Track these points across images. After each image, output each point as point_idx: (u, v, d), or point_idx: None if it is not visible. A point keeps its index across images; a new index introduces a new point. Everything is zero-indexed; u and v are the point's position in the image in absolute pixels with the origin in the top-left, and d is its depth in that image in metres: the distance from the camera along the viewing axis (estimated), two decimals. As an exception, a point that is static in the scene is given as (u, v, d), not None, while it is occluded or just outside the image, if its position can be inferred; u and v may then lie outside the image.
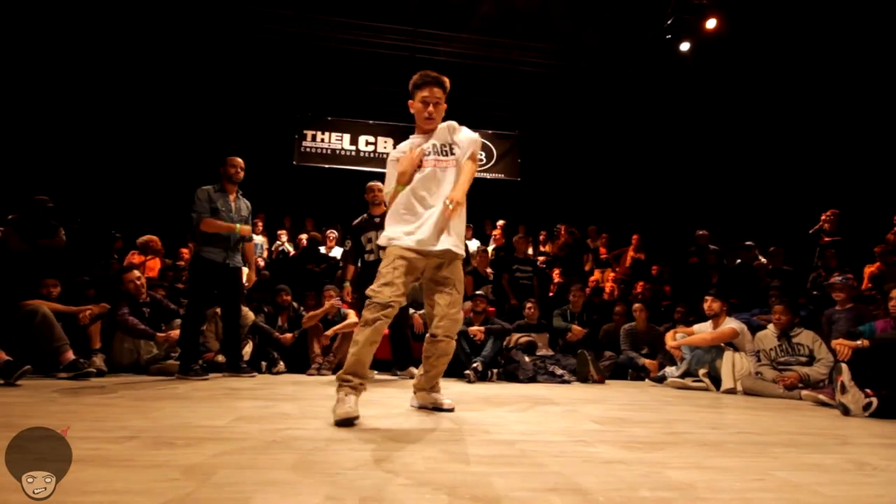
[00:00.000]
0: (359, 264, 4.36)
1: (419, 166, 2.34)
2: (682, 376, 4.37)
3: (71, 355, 3.40)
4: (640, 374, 4.97)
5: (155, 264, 5.86)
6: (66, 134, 7.74)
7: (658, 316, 5.90)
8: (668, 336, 4.71)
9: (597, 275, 7.77)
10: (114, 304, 4.02)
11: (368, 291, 2.17)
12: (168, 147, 8.69)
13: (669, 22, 8.33)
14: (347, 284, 4.30)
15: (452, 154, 2.36)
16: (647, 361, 4.96)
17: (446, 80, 2.37)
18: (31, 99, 7.33)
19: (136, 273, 4.21)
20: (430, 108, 2.34)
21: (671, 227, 9.11)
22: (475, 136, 2.37)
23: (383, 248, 2.36)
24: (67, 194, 6.08)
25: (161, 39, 8.41)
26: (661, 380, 4.58)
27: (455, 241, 2.27)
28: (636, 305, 5.29)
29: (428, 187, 2.30)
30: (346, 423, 1.94)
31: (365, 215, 4.31)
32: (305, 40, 8.87)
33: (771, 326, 4.14)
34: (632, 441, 1.81)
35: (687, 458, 1.57)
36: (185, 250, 6.33)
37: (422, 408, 2.47)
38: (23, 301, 3.60)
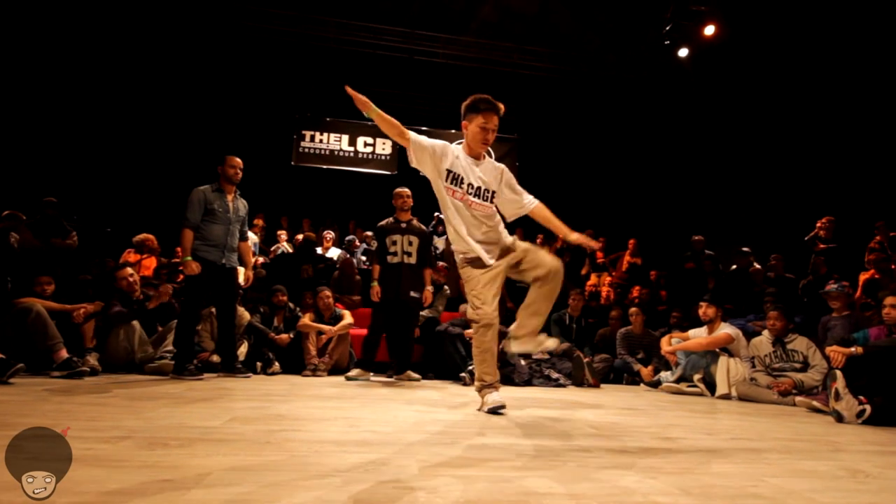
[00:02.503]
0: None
1: (461, 199, 2.48)
2: (678, 381, 4.38)
3: (65, 354, 3.38)
4: (635, 378, 4.98)
5: (151, 263, 5.84)
6: (64, 131, 7.71)
7: (654, 320, 5.91)
8: (664, 341, 4.72)
9: (593, 279, 7.80)
10: (108, 301, 4.00)
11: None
12: (166, 146, 8.67)
13: (668, 28, 8.38)
14: (375, 284, 4.27)
15: (492, 201, 2.52)
16: (641, 368, 4.97)
17: (503, 108, 2.46)
18: (29, 97, 7.30)
19: (129, 270, 4.19)
20: (489, 136, 2.46)
21: (668, 231, 9.15)
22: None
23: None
24: (65, 192, 6.06)
25: (160, 39, 8.39)
26: (656, 384, 4.59)
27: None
28: (633, 309, 5.31)
29: (460, 222, 2.50)
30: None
31: (391, 219, 4.34)
32: (304, 41, 8.86)
33: (766, 332, 4.15)
34: (626, 446, 1.81)
35: (681, 463, 1.57)
36: (181, 249, 6.30)
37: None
38: (17, 299, 3.58)
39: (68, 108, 7.73)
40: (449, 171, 2.46)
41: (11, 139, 7.01)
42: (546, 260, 2.49)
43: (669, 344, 4.61)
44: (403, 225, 4.30)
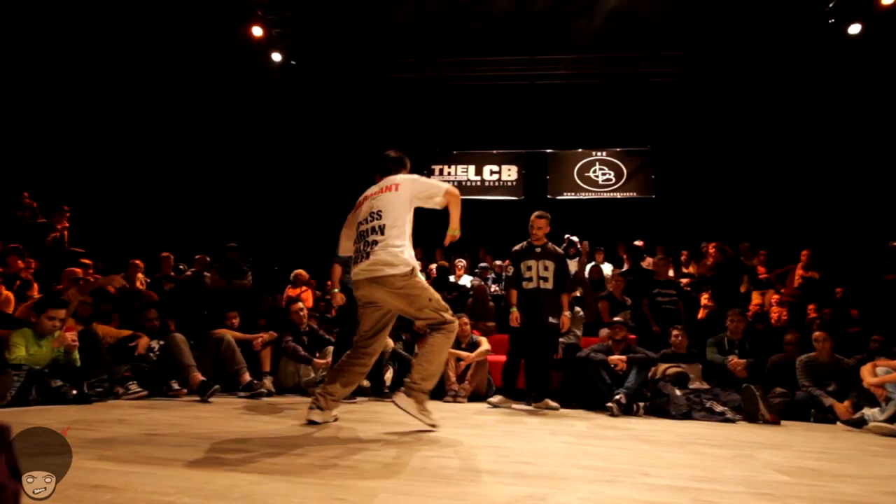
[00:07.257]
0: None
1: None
2: (890, 420, 3.54)
3: (248, 377, 3.93)
4: (827, 415, 4.15)
5: (307, 295, 6.56)
6: (243, 188, 9.25)
7: (844, 346, 4.90)
8: (866, 370, 3.86)
9: (756, 298, 6.79)
10: (280, 332, 4.57)
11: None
12: (317, 193, 9.84)
13: (833, 3, 7.22)
14: (514, 310, 4.24)
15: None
16: (834, 403, 4.12)
17: (391, 156, 3.12)
18: (214, 158, 8.91)
19: (300, 305, 4.75)
20: None
21: (852, 238, 7.63)
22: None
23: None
24: (242, 236, 7.20)
25: (307, 97, 9.70)
26: (858, 424, 3.77)
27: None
28: (818, 334, 4.46)
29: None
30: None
31: (525, 243, 4.31)
32: (429, 83, 9.51)
33: None
34: (838, 499, 1.48)
35: (926, 528, 1.23)
36: (331, 283, 7.01)
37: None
38: (211, 330, 4.28)
39: (247, 170, 9.28)
40: None
41: (200, 193, 8.61)
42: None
43: (874, 374, 3.76)
44: (538, 249, 4.19)
